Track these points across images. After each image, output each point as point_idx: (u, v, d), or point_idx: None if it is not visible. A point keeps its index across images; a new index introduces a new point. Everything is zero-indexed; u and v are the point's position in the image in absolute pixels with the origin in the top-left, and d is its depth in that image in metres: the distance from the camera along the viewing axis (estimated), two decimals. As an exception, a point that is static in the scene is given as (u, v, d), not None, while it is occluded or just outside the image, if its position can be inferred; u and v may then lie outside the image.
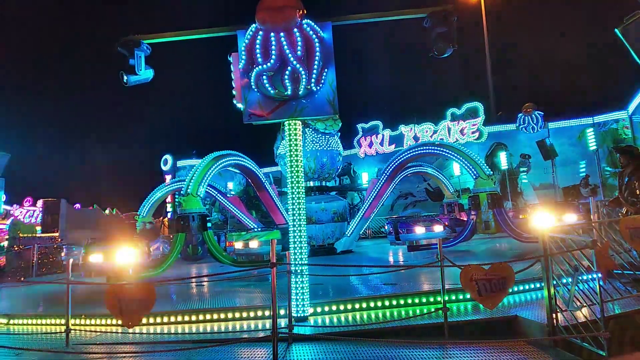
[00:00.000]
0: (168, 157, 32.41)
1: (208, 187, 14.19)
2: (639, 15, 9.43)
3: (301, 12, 6.67)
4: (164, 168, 32.42)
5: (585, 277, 5.69)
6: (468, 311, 6.90)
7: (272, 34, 6.65)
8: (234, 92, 7.93)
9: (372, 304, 7.31)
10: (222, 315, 7.32)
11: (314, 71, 6.76)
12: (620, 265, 6.96)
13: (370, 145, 29.50)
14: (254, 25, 6.80)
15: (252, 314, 7.29)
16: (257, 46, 6.76)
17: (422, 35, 7.62)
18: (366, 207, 15.82)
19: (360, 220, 15.85)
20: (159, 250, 16.48)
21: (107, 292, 5.50)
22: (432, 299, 7.32)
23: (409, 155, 15.30)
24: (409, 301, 7.37)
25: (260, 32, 6.75)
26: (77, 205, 30.55)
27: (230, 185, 27.19)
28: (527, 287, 7.71)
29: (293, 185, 7.04)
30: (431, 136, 27.48)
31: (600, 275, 5.23)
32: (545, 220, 5.95)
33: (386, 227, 14.77)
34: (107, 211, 32.81)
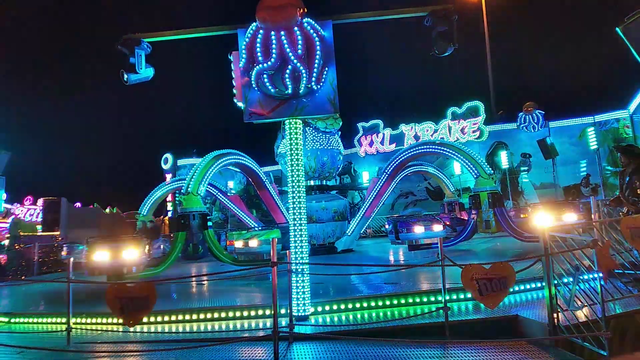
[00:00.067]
0: (168, 155, 32.41)
1: (208, 186, 14.19)
2: (640, 14, 9.40)
3: (302, 10, 6.66)
4: (164, 167, 32.42)
5: (586, 277, 5.68)
6: (469, 310, 6.90)
7: (272, 32, 6.64)
8: (234, 91, 7.92)
9: (372, 303, 7.30)
10: (223, 314, 7.32)
11: (315, 70, 6.75)
12: (621, 265, 6.95)
13: (371, 144, 29.48)
14: (254, 23, 6.79)
15: (252, 313, 7.29)
16: (258, 45, 6.75)
17: (423, 34, 7.61)
18: (367, 206, 15.81)
19: (361, 220, 15.84)
20: (160, 249, 16.47)
21: (108, 291, 5.50)
22: (432, 298, 7.32)
23: (410, 154, 15.29)
24: (410, 300, 7.37)
25: (261, 31, 6.74)
26: (78, 204, 30.59)
27: (231, 184, 27.22)
28: (528, 286, 7.71)
29: (293, 184, 7.04)
30: (432, 135, 27.45)
31: (601, 274, 5.22)
32: (546, 219, 5.94)
33: (387, 227, 14.77)
34: (107, 210, 32.83)
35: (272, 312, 5.49)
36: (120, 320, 5.70)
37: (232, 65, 7.98)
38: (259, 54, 6.75)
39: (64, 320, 6.95)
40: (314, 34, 6.77)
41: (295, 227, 6.94)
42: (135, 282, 5.69)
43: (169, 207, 30.56)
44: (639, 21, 10.67)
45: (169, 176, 30.38)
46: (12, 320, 8.48)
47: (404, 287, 8.18)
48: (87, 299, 8.98)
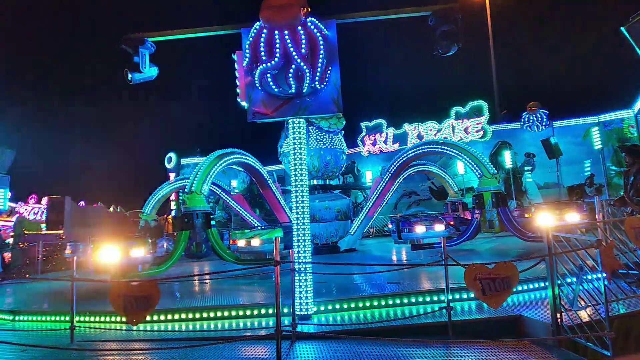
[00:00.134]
0: (172, 154, 32.45)
1: (212, 185, 14.21)
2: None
3: (305, 10, 6.66)
4: (167, 166, 32.47)
5: (590, 277, 5.66)
6: (472, 310, 6.89)
7: (276, 32, 6.64)
8: (238, 90, 7.93)
9: (375, 303, 7.31)
10: (226, 313, 7.34)
11: (318, 69, 6.75)
12: (625, 265, 6.93)
13: (374, 143, 29.44)
14: (258, 23, 6.79)
15: (255, 312, 7.31)
16: (262, 44, 6.75)
17: (427, 33, 7.60)
18: (370, 206, 15.80)
19: (364, 219, 15.84)
20: (163, 248, 16.51)
21: (112, 289, 5.52)
22: (435, 298, 7.32)
23: (413, 153, 15.27)
24: (413, 300, 7.36)
25: (265, 30, 6.74)
26: (82, 203, 30.65)
27: (234, 183, 27.23)
28: (531, 286, 7.69)
29: (297, 183, 7.04)
30: (435, 135, 27.39)
31: (605, 274, 5.21)
32: (549, 219, 5.93)
33: (390, 226, 14.77)
34: (111, 209, 32.92)
35: (275, 311, 5.50)
36: (124, 319, 5.71)
37: (235, 64, 7.98)
38: (262, 53, 6.75)
39: (67, 318, 6.97)
40: (318, 34, 6.77)
41: (299, 227, 6.94)
42: (138, 281, 5.70)
43: (173, 206, 30.61)
44: (644, 20, 10.64)
45: (172, 175, 30.43)
46: (16, 318, 8.53)
47: (407, 286, 8.17)
48: (91, 297, 9.02)
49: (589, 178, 21.87)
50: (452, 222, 15.72)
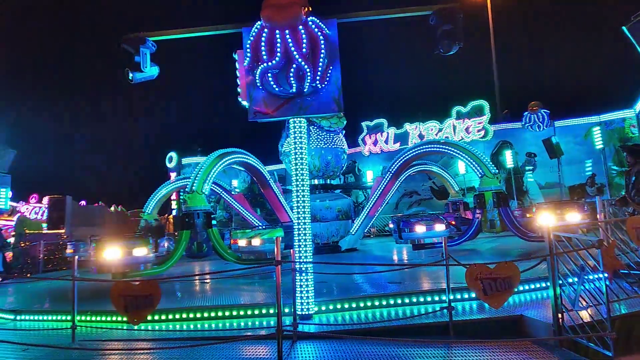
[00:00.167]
0: (173, 154, 32.46)
1: (213, 185, 14.21)
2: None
3: (306, 9, 6.65)
4: (168, 165, 32.48)
5: (591, 277, 5.66)
6: (473, 310, 6.88)
7: (277, 31, 6.63)
8: (239, 90, 7.93)
9: (376, 303, 7.30)
10: (227, 313, 7.33)
11: (319, 69, 6.74)
12: (627, 265, 6.92)
13: (375, 143, 29.43)
14: (259, 22, 6.79)
15: (256, 312, 7.30)
16: (262, 43, 6.74)
17: (428, 32, 7.59)
18: (371, 205, 15.79)
19: (365, 219, 15.83)
20: (164, 248, 16.52)
21: (113, 289, 5.52)
22: (437, 298, 7.31)
23: (414, 153, 15.26)
24: (414, 300, 7.36)
25: (266, 30, 6.74)
26: (83, 202, 30.68)
27: (235, 182, 27.24)
28: (532, 286, 7.67)
29: (298, 183, 7.03)
30: (436, 134, 27.36)
31: (606, 274, 5.20)
32: (549, 219, 5.92)
33: (391, 226, 14.76)
34: (112, 208, 32.94)
35: (276, 310, 5.49)
36: (125, 318, 5.72)
37: (236, 64, 7.98)
38: (263, 52, 6.75)
39: (69, 317, 6.97)
40: (319, 33, 6.76)
41: (300, 226, 6.94)
42: (139, 281, 5.70)
43: (174, 205, 30.63)
44: (646, 20, 10.62)
45: (173, 174, 30.43)
46: (18, 317, 8.53)
47: (408, 286, 8.16)
48: (92, 296, 9.02)
49: (590, 178, 21.86)
50: (453, 222, 15.70)
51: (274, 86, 6.81)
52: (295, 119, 7.07)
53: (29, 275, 16.30)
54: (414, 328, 6.29)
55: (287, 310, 6.68)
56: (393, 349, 5.51)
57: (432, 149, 15.20)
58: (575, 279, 5.73)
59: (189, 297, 9.15)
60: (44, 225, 26.73)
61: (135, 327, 6.53)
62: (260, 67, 6.76)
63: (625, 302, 6.32)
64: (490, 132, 26.42)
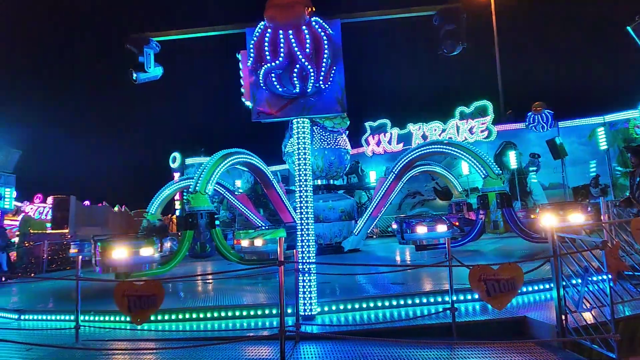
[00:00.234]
0: (176, 154, 32.51)
1: (216, 185, 14.22)
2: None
3: (310, 9, 6.65)
4: (172, 165, 32.53)
5: (595, 278, 5.63)
6: (476, 311, 6.87)
7: (280, 31, 6.63)
8: (242, 90, 7.93)
9: (379, 304, 7.29)
10: (230, 313, 7.34)
11: (323, 69, 6.74)
12: (631, 267, 6.89)
13: (378, 143, 29.40)
14: (262, 22, 6.79)
15: (259, 312, 7.31)
16: (266, 44, 6.75)
17: (431, 32, 7.58)
18: (374, 206, 15.78)
19: (368, 219, 15.81)
20: (167, 248, 16.55)
21: (116, 289, 5.53)
22: (440, 299, 7.29)
23: (417, 154, 15.23)
24: (417, 301, 7.34)
25: (269, 30, 6.74)
26: (87, 202, 30.79)
27: (238, 183, 27.26)
28: (536, 287, 7.65)
29: (301, 183, 7.03)
30: (440, 135, 27.32)
31: (610, 276, 5.17)
32: (552, 220, 5.90)
33: (394, 226, 14.75)
34: (116, 208, 33.03)
35: (279, 311, 5.50)
36: (128, 318, 5.73)
37: (240, 64, 7.99)
38: (267, 53, 6.75)
39: (72, 317, 7.00)
40: (322, 33, 6.76)
41: (303, 227, 6.94)
42: (143, 281, 5.71)
43: (177, 205, 30.68)
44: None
45: (177, 175, 30.49)
46: (21, 317, 8.56)
47: (411, 287, 8.15)
48: (96, 296, 9.05)
49: (595, 179, 21.77)
50: (456, 223, 15.67)
51: (278, 86, 6.81)
52: (298, 120, 7.07)
53: (32, 275, 16.35)
54: (416, 329, 6.27)
55: (289, 310, 6.68)
56: (396, 350, 5.50)
57: (436, 150, 15.17)
58: (579, 281, 5.71)
59: (192, 297, 9.17)
60: (48, 225, 26.84)
61: (139, 327, 6.54)
62: (263, 68, 6.76)
63: (629, 303, 6.30)
64: (493, 132, 26.36)
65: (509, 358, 5.05)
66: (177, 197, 28.25)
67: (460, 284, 6.73)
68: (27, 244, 18.85)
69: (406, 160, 15.34)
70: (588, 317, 5.55)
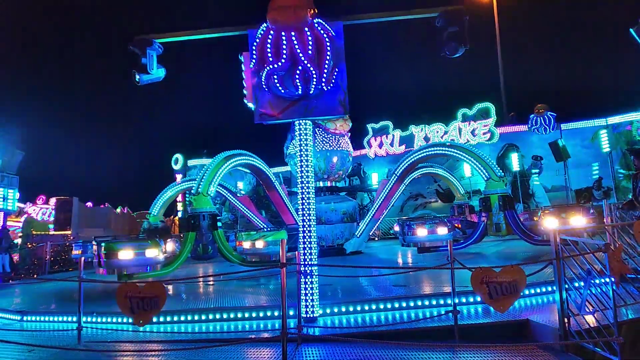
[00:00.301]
0: (179, 156, 32.58)
1: (218, 187, 14.24)
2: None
3: (312, 11, 6.66)
4: (174, 167, 32.60)
5: (598, 281, 5.61)
6: (479, 314, 6.85)
7: (283, 33, 6.64)
8: (244, 92, 7.95)
9: (381, 306, 7.27)
10: (232, 315, 7.34)
11: (325, 71, 6.73)
12: (634, 270, 6.86)
13: (381, 145, 29.41)
14: (265, 24, 6.80)
15: (261, 314, 7.30)
16: (268, 45, 6.75)
17: (434, 34, 7.57)
18: (376, 208, 15.77)
19: (370, 221, 15.80)
20: (170, 249, 16.58)
21: (119, 290, 5.54)
22: (442, 301, 7.27)
23: (420, 156, 15.22)
24: (419, 303, 7.33)
25: (272, 32, 6.74)
26: (89, 204, 30.86)
27: (240, 184, 27.29)
28: (538, 290, 7.63)
29: (303, 185, 7.03)
30: (442, 137, 27.32)
31: (613, 279, 5.16)
32: (553, 223, 5.89)
33: (397, 228, 14.72)
34: (118, 209, 33.09)
35: (281, 313, 5.49)
36: (130, 320, 5.73)
37: (242, 66, 8.01)
38: (269, 54, 6.75)
39: (74, 319, 7.00)
40: (325, 35, 6.76)
41: (305, 229, 6.93)
42: (145, 282, 5.71)
43: (179, 207, 30.72)
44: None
45: (179, 176, 30.55)
46: (24, 318, 8.57)
47: (413, 289, 8.14)
48: (98, 298, 9.06)
49: (597, 181, 21.74)
50: (458, 225, 15.63)
51: (280, 88, 6.81)
52: (300, 121, 7.07)
53: (35, 276, 16.40)
54: (419, 331, 6.26)
55: (291, 312, 6.69)
56: (398, 352, 5.49)
57: (438, 152, 15.16)
58: (582, 283, 5.69)
59: (194, 299, 9.17)
60: (51, 226, 26.90)
61: (141, 329, 6.54)
62: (266, 69, 6.76)
63: (632, 306, 6.26)
64: (496, 134, 26.33)
65: (512, 361, 5.04)
66: (179, 198, 28.31)
67: (463, 286, 6.72)
68: (29, 245, 18.92)
69: (408, 162, 15.33)
70: (591, 320, 5.53)
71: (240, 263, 12.08)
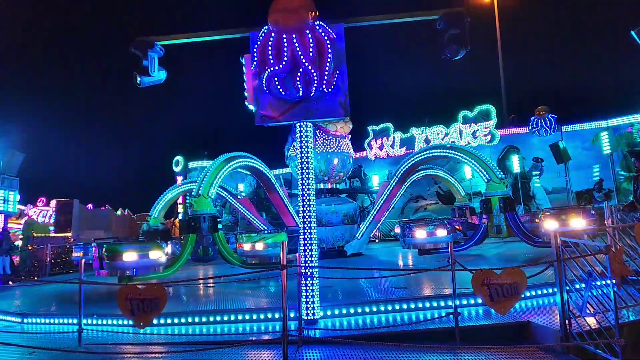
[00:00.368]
0: (179, 158, 32.59)
1: (219, 189, 14.24)
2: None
3: (313, 13, 6.67)
4: (175, 169, 32.61)
5: (599, 283, 5.61)
6: (479, 316, 6.84)
7: (284, 35, 6.65)
8: (245, 94, 7.95)
9: (382, 308, 7.27)
10: (232, 317, 7.33)
11: (326, 73, 6.74)
12: (635, 271, 6.85)
13: (381, 147, 29.41)
14: (266, 26, 6.81)
15: (261, 316, 7.30)
16: (270, 48, 6.76)
17: (435, 37, 7.58)
18: (376, 210, 15.77)
19: (371, 223, 15.80)
20: (170, 251, 16.57)
21: (119, 292, 5.54)
22: (442, 303, 7.26)
23: (420, 158, 15.22)
24: (420, 305, 7.32)
25: (273, 34, 6.75)
26: (90, 206, 30.86)
27: (241, 186, 27.29)
28: (539, 292, 7.62)
29: (303, 187, 7.04)
30: (443, 139, 27.31)
31: (614, 281, 5.15)
32: (553, 224, 5.89)
33: (397, 230, 14.70)
34: (119, 212, 33.11)
35: (281, 315, 5.49)
36: (131, 322, 5.73)
37: (243, 68, 8.01)
38: (270, 57, 6.76)
39: (75, 321, 7.00)
40: (326, 37, 6.77)
41: (305, 230, 6.93)
42: (145, 284, 5.71)
43: (180, 209, 30.71)
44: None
45: (180, 178, 30.56)
46: (24, 320, 8.57)
47: (414, 291, 8.13)
48: (99, 300, 9.05)
49: (598, 183, 21.72)
50: (459, 227, 15.62)
51: (281, 90, 6.82)
52: (301, 123, 7.08)
53: (35, 278, 16.39)
54: (419, 333, 6.26)
55: (292, 314, 6.68)
56: (399, 354, 5.48)
57: (439, 154, 15.15)
58: (583, 285, 5.68)
59: (194, 301, 9.17)
60: (51, 228, 26.90)
61: (141, 331, 6.54)
62: (267, 72, 6.77)
63: (633, 308, 6.26)
64: (496, 136, 26.33)
65: (513, 363, 5.03)
66: (180, 200, 28.30)
67: (464, 288, 6.72)
68: (30, 247, 18.91)
69: (409, 164, 15.33)
70: (592, 322, 5.52)
71: (241, 265, 12.07)
